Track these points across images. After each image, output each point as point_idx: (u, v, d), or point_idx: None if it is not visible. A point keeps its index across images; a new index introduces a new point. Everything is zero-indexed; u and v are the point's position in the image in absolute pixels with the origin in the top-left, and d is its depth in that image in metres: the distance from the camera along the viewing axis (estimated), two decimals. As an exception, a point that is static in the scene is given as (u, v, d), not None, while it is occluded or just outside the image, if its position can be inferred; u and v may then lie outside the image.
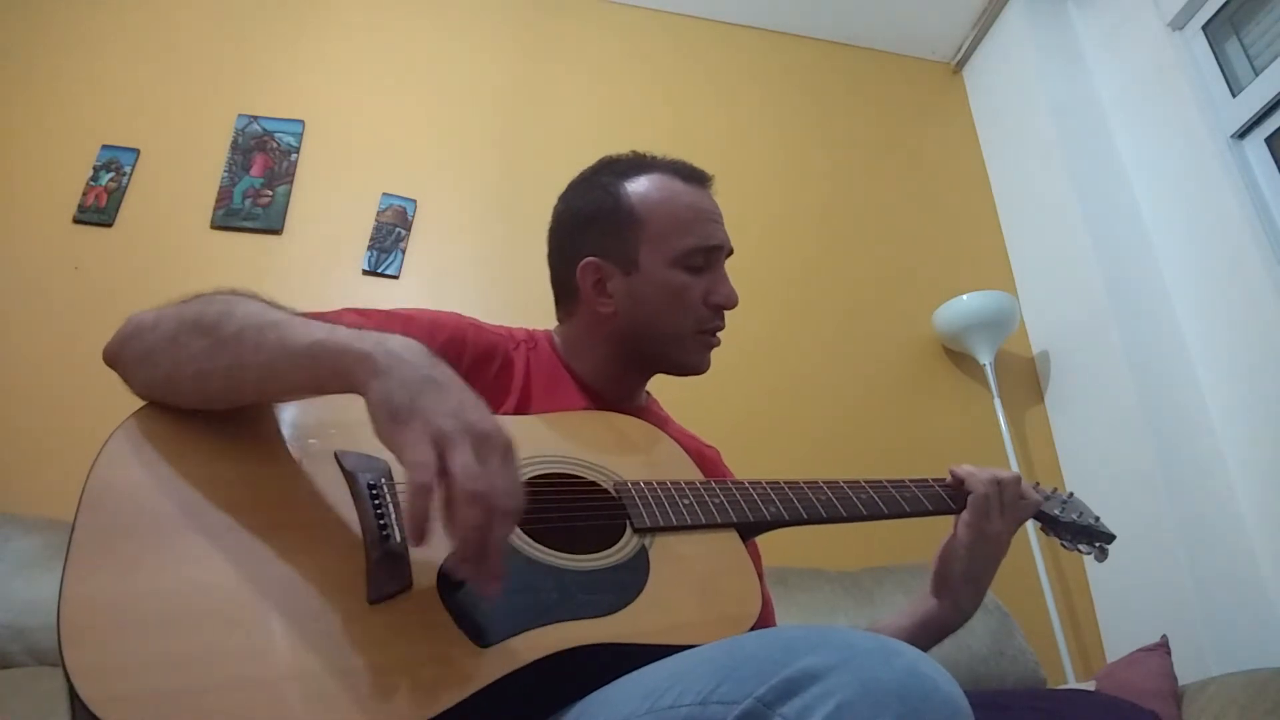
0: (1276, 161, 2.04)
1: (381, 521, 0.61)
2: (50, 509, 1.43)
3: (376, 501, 0.62)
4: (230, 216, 2.00)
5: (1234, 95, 2.13)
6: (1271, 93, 2.01)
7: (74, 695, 0.46)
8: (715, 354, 0.97)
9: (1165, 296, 2.17)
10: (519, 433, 0.62)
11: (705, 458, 0.98)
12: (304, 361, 0.61)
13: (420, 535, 0.52)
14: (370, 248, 2.05)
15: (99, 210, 1.92)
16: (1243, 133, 2.10)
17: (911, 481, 0.91)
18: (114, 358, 0.69)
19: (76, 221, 1.90)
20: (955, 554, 0.89)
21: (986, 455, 2.16)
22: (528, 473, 0.72)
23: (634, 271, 0.92)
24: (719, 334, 0.96)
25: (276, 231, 2.01)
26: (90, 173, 1.95)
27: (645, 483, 0.78)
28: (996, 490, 0.89)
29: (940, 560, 0.91)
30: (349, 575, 0.57)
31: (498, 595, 0.57)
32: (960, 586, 0.90)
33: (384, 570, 0.58)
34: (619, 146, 1.04)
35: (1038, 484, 0.98)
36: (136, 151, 2.00)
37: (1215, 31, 2.21)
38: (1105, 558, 0.97)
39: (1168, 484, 1.91)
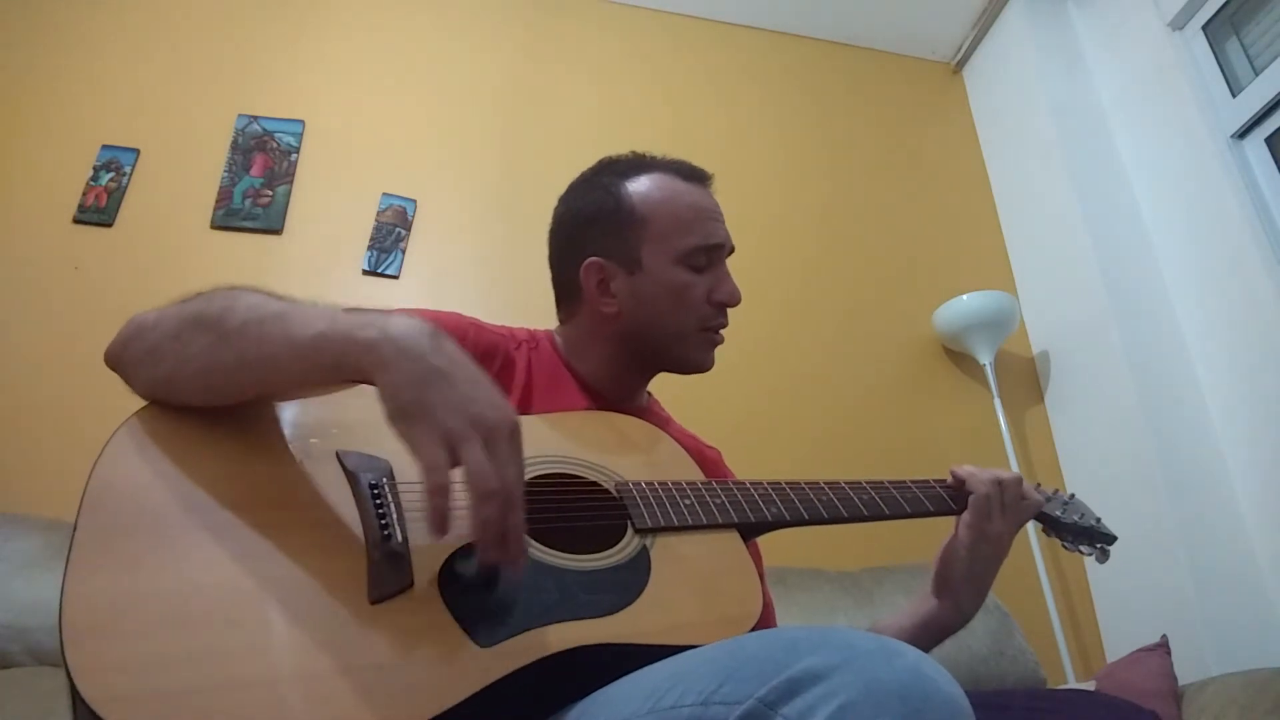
0: (1276, 161, 2.04)
1: (383, 521, 0.61)
2: (50, 509, 1.43)
3: (378, 501, 0.62)
4: (230, 216, 2.00)
5: (1234, 95, 2.13)
6: (1271, 93, 2.01)
7: (75, 694, 0.46)
8: (715, 354, 0.97)
9: (1165, 296, 2.18)
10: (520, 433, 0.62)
11: (706, 458, 0.98)
12: (309, 353, 0.61)
13: (442, 530, 0.55)
14: (370, 248, 2.05)
15: (99, 210, 1.92)
16: (1243, 133, 2.10)
17: (912, 482, 0.91)
18: (116, 359, 0.69)
19: (76, 221, 1.90)
20: (956, 555, 0.89)
21: (986, 455, 2.16)
22: (529, 473, 0.72)
23: (637, 271, 0.92)
24: (722, 331, 0.96)
25: (276, 231, 2.01)
26: (90, 173, 1.95)
27: (646, 483, 0.78)
28: (998, 491, 0.89)
29: (941, 561, 0.90)
30: (350, 575, 0.57)
31: (520, 575, 0.60)
32: (961, 587, 0.89)
33: (385, 570, 0.58)
34: (619, 146, 1.04)
35: (1039, 485, 0.98)
36: (136, 151, 2.00)
37: (1215, 31, 2.21)
38: (1106, 559, 0.97)
39: (1168, 484, 1.91)
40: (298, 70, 2.22)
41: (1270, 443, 1.88)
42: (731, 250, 0.97)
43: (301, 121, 2.15)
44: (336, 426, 0.69)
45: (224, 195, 2.02)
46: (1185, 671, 1.55)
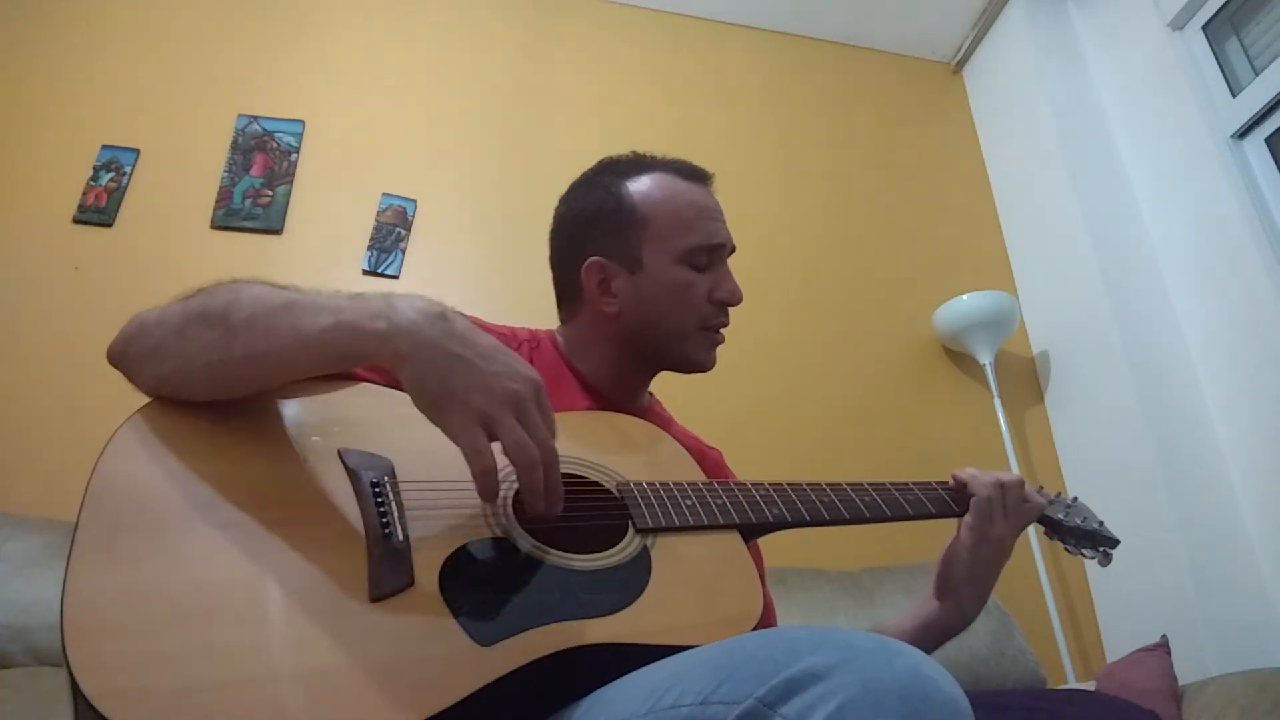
0: (1276, 161, 2.04)
1: (384, 520, 0.61)
2: (50, 509, 1.43)
3: (379, 500, 0.63)
4: (230, 216, 2.00)
5: (1234, 95, 2.13)
6: (1271, 93, 2.01)
7: (77, 690, 0.46)
8: (716, 353, 0.97)
9: (1165, 296, 2.18)
10: None
11: (708, 459, 0.98)
12: (318, 346, 0.62)
13: (492, 499, 0.61)
14: (370, 248, 2.05)
15: (99, 210, 1.92)
16: (1243, 133, 2.10)
17: (914, 484, 0.90)
18: (119, 356, 0.68)
19: (76, 221, 1.90)
20: (958, 557, 0.89)
21: (986, 455, 2.16)
22: None
23: (638, 270, 0.92)
24: (724, 330, 0.96)
25: (276, 231, 2.01)
26: (90, 173, 1.95)
27: (648, 483, 0.78)
28: (1000, 493, 0.88)
29: (943, 563, 0.90)
30: (351, 573, 0.57)
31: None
32: (963, 589, 0.89)
33: (386, 568, 0.58)
34: (619, 146, 1.04)
35: (1041, 488, 0.98)
36: (136, 151, 2.00)
37: (1215, 31, 2.21)
38: (1109, 562, 0.97)
39: (1168, 484, 1.91)
40: (298, 70, 2.22)
41: (1270, 443, 1.88)
42: (733, 250, 0.97)
43: (301, 121, 2.15)
44: (338, 424, 0.69)
45: (224, 195, 2.02)
46: (1185, 671, 1.55)
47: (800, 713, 0.43)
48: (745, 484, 0.83)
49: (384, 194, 2.12)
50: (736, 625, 0.67)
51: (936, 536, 0.94)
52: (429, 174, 2.18)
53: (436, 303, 0.62)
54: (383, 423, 0.58)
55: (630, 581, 0.67)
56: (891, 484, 0.89)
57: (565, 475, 0.75)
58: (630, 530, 0.72)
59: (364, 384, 0.61)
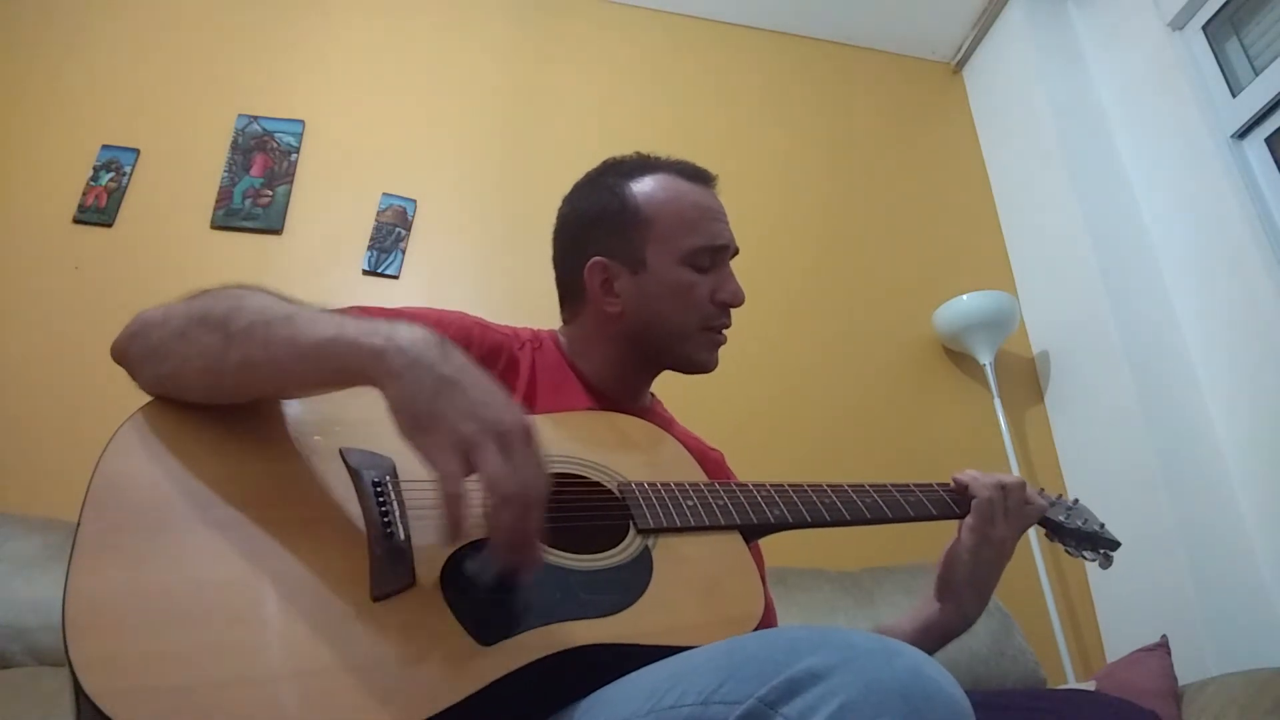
0: (1276, 161, 2.04)
1: (385, 519, 0.61)
2: (50, 509, 1.43)
3: (381, 499, 0.63)
4: (230, 216, 2.00)
5: (1234, 95, 2.13)
6: (1271, 93, 2.02)
7: (79, 689, 0.46)
8: (718, 354, 0.97)
9: (1165, 296, 2.18)
10: None
11: (709, 459, 0.98)
12: (314, 359, 0.61)
13: (458, 538, 0.55)
14: (370, 248, 2.05)
15: (99, 210, 1.92)
16: (1243, 133, 2.10)
17: (915, 485, 0.91)
18: (122, 354, 0.69)
19: (76, 221, 1.90)
20: (959, 558, 0.89)
21: (986, 455, 2.17)
22: None
23: (642, 270, 0.93)
24: (725, 332, 0.96)
25: (276, 231, 2.01)
26: (90, 173, 1.95)
27: (649, 484, 0.78)
28: (1001, 495, 0.89)
29: (944, 565, 0.90)
30: (353, 572, 0.57)
31: (533, 578, 0.60)
32: (964, 591, 0.89)
33: (387, 567, 0.58)
34: (619, 146, 1.04)
35: (1043, 490, 0.98)
36: (136, 151, 2.00)
37: (1215, 31, 2.21)
38: (1110, 565, 0.97)
39: (1168, 484, 1.91)
40: (298, 70, 2.22)
41: (1270, 443, 1.88)
42: (736, 252, 0.98)
43: (301, 121, 2.15)
44: (340, 423, 0.69)
45: (224, 195, 2.02)
46: (1185, 671, 1.55)
47: (802, 713, 0.44)
48: (746, 485, 0.83)
49: (384, 194, 2.12)
50: (738, 626, 0.67)
51: (936, 537, 0.94)
52: (429, 174, 2.18)
53: (436, 334, 0.61)
54: (384, 422, 0.58)
55: (631, 582, 0.67)
56: (892, 485, 0.89)
57: (567, 475, 0.76)
58: (631, 531, 0.72)
59: (365, 385, 0.60)
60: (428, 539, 0.62)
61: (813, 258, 2.38)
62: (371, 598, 0.56)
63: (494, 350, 0.90)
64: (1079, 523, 0.97)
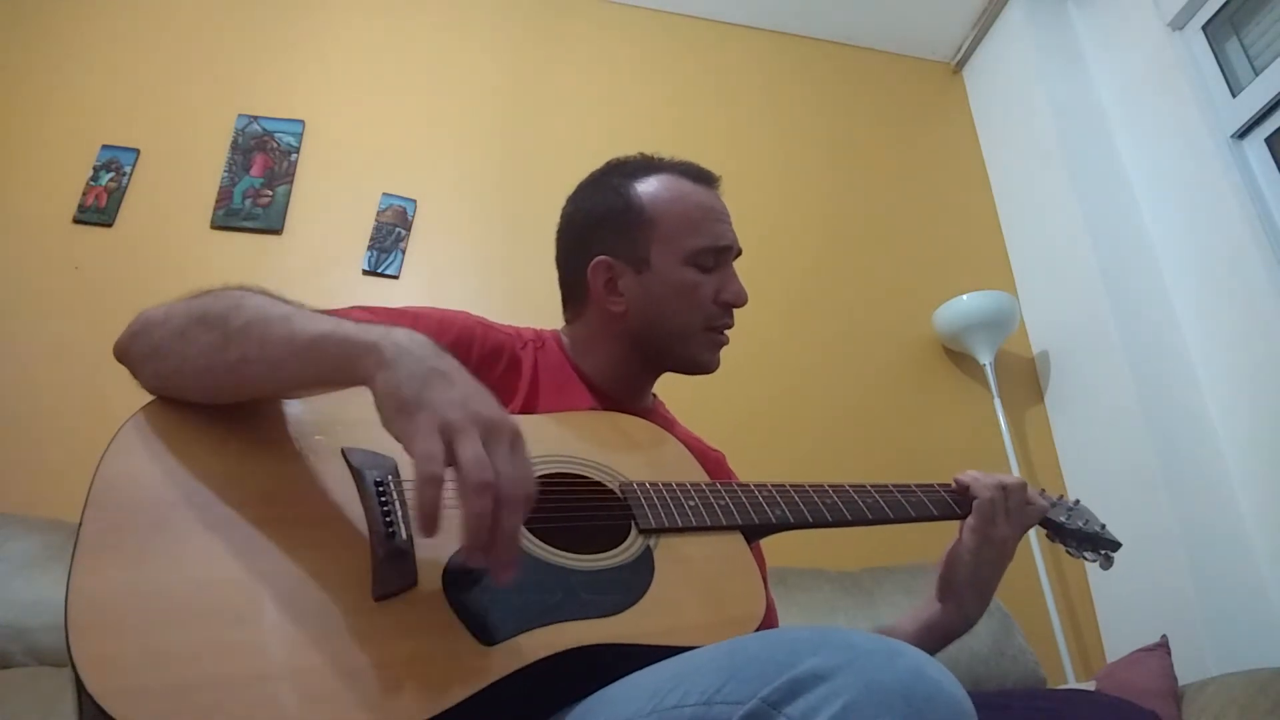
0: (1276, 161, 2.04)
1: (388, 519, 0.61)
2: (50, 509, 1.43)
3: (383, 498, 0.63)
4: (230, 216, 2.00)
5: (1234, 95, 2.14)
6: (1271, 93, 2.02)
7: (81, 688, 0.46)
8: (720, 355, 0.97)
9: (1165, 296, 2.18)
10: (525, 431, 0.62)
11: (710, 460, 0.99)
12: (310, 355, 0.61)
13: (431, 526, 0.52)
14: (370, 248, 2.05)
15: (99, 210, 1.92)
16: (1243, 133, 2.10)
17: (917, 486, 0.91)
18: (123, 352, 0.69)
19: (76, 221, 1.90)
20: (960, 559, 0.89)
21: (986, 455, 2.17)
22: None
23: (645, 270, 0.93)
24: (728, 333, 0.97)
25: (276, 231, 2.01)
26: (90, 173, 1.95)
27: (651, 484, 0.78)
28: (1002, 496, 0.89)
29: (945, 565, 0.91)
30: (354, 572, 0.57)
31: (509, 584, 0.56)
32: (965, 592, 0.90)
33: (389, 567, 0.58)
34: (619, 146, 1.04)
35: (1044, 490, 0.98)
36: (136, 151, 2.00)
37: (1215, 31, 2.22)
38: (1110, 565, 0.97)
39: (1168, 484, 1.91)
40: (298, 70, 2.22)
41: (1270, 443, 1.88)
42: (739, 253, 0.98)
43: (301, 121, 2.14)
44: (342, 423, 0.69)
45: (224, 195, 2.02)
46: (1185, 671, 1.55)
47: (804, 713, 0.44)
48: (748, 485, 0.83)
49: (384, 194, 2.12)
50: (739, 626, 0.67)
51: (936, 537, 0.94)
52: (429, 174, 2.18)
53: (433, 341, 0.61)
54: None
55: (633, 582, 0.67)
56: (894, 485, 0.89)
57: (568, 475, 0.76)
58: (633, 531, 0.72)
59: (358, 384, 0.60)
60: (430, 539, 0.61)
61: (813, 258, 2.38)
62: (373, 597, 0.56)
63: (496, 350, 0.90)
64: (1080, 524, 0.97)
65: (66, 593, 0.50)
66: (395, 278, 2.04)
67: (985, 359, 2.20)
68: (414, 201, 2.13)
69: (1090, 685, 1.60)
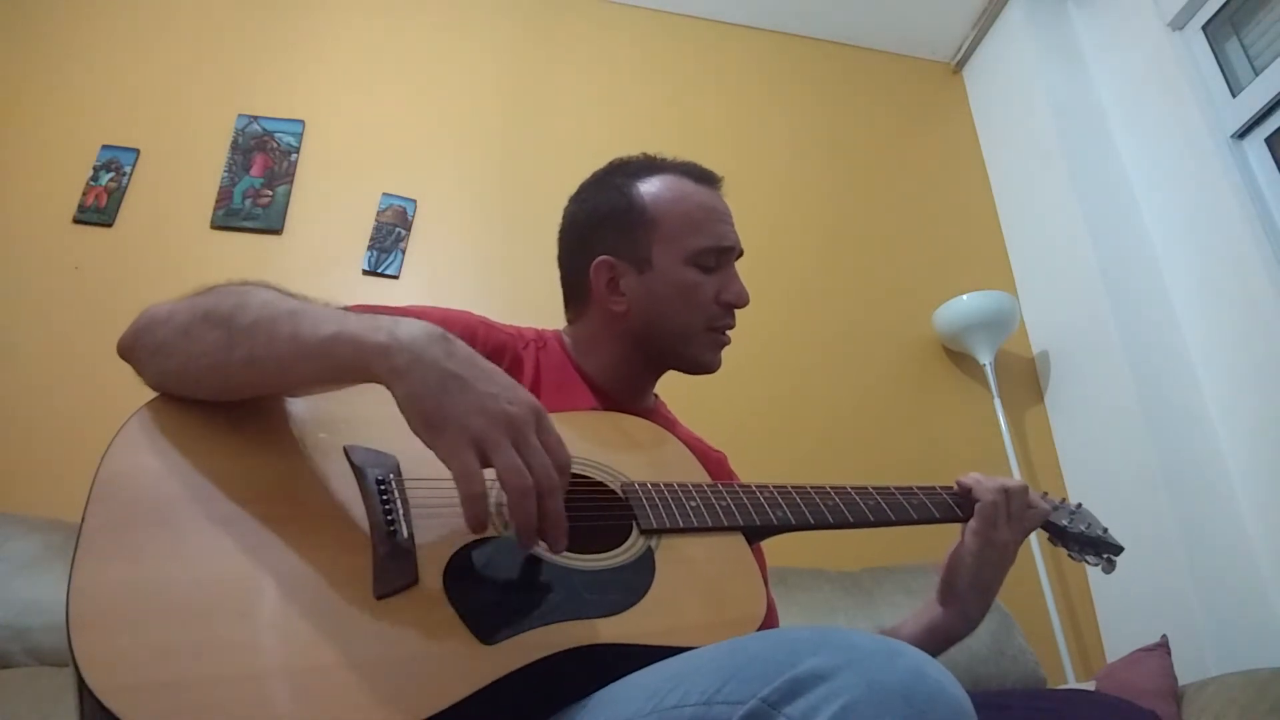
0: (1276, 161, 2.04)
1: (389, 517, 0.61)
2: (50, 508, 1.43)
3: (384, 497, 0.63)
4: (230, 216, 2.00)
5: (1234, 95, 2.14)
6: (1271, 93, 2.02)
7: (82, 684, 0.46)
8: (721, 355, 0.97)
9: (1165, 296, 2.18)
10: None
11: (712, 460, 0.99)
12: (317, 356, 0.61)
13: (481, 530, 0.57)
14: (370, 248, 2.05)
15: (99, 210, 1.92)
16: (1243, 133, 2.10)
17: (918, 488, 0.91)
18: (128, 350, 0.69)
19: (76, 221, 1.90)
20: (962, 562, 0.89)
21: (986, 455, 2.17)
22: None
23: (647, 270, 0.93)
24: (729, 333, 0.97)
25: (276, 231, 2.01)
26: (90, 173, 1.95)
27: (652, 484, 0.78)
28: (1004, 499, 0.89)
29: (947, 568, 0.91)
30: (356, 570, 0.57)
31: (564, 548, 0.61)
32: (967, 594, 0.90)
33: (390, 566, 0.58)
34: (619, 146, 1.04)
35: (1046, 494, 0.98)
36: (136, 151, 2.00)
37: (1215, 31, 2.22)
38: (1113, 569, 0.96)
39: (1168, 484, 1.91)
40: (298, 70, 2.22)
41: (1270, 443, 1.88)
42: (741, 253, 0.98)
43: (301, 121, 2.14)
44: (344, 421, 0.69)
45: (224, 195, 2.02)
46: (1185, 671, 1.55)
47: (805, 713, 0.43)
48: (749, 486, 0.83)
49: (384, 194, 2.12)
50: (740, 627, 0.67)
51: (936, 538, 0.94)
52: (429, 174, 2.18)
53: (439, 328, 0.61)
54: (388, 420, 0.58)
55: (634, 582, 0.67)
56: (895, 487, 0.89)
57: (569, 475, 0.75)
58: (634, 531, 0.72)
59: (370, 382, 0.60)
60: (431, 538, 0.62)
61: (813, 258, 2.38)
62: (374, 596, 0.56)
63: (498, 350, 0.90)
64: (1082, 527, 0.97)
65: (68, 589, 0.50)
66: (395, 278, 2.04)
67: (985, 359, 2.21)
68: (414, 201, 2.13)
69: (1090, 685, 1.60)
